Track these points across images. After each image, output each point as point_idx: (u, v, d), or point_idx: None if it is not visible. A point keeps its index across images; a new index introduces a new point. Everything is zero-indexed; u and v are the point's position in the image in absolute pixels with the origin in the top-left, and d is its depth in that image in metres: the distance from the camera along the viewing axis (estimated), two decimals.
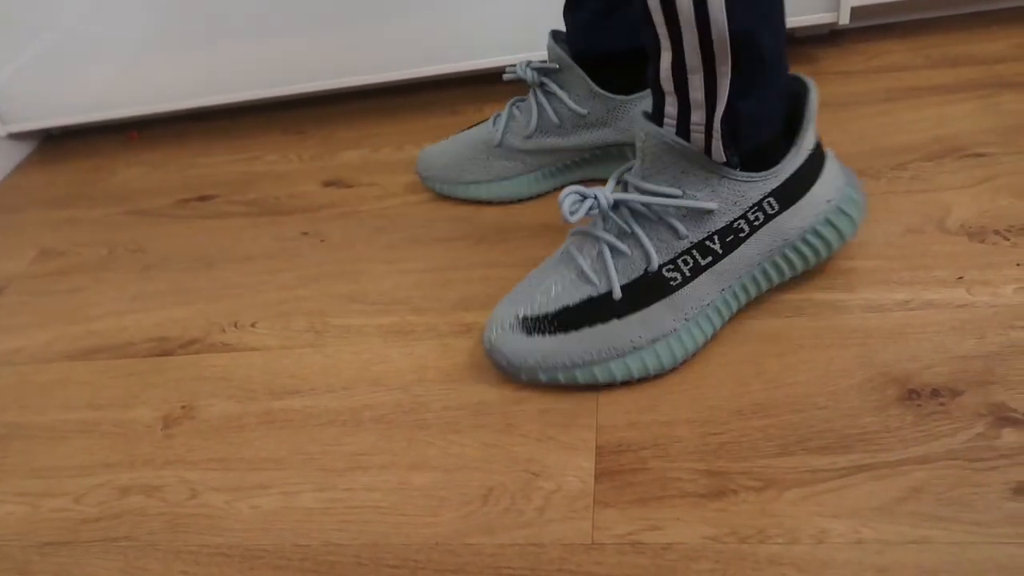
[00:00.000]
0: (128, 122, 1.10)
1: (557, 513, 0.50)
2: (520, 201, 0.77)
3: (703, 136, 0.51)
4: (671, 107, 0.51)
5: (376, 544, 0.51)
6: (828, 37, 0.93)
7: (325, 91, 0.99)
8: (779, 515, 0.47)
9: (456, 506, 0.52)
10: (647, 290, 0.54)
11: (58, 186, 1.02)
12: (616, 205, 0.54)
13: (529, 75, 0.72)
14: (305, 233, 0.81)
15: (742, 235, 0.54)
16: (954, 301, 0.57)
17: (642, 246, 0.54)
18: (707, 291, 0.55)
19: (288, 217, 0.85)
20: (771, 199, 0.54)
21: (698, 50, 0.47)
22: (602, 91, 0.69)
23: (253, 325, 0.71)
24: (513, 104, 0.76)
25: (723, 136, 0.51)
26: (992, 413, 0.49)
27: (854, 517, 0.46)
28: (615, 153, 0.73)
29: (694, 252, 0.54)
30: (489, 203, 0.78)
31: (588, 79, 0.69)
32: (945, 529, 0.44)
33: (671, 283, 0.54)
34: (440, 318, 0.66)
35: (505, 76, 0.74)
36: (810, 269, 0.59)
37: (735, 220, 0.53)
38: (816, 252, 0.57)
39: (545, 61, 0.72)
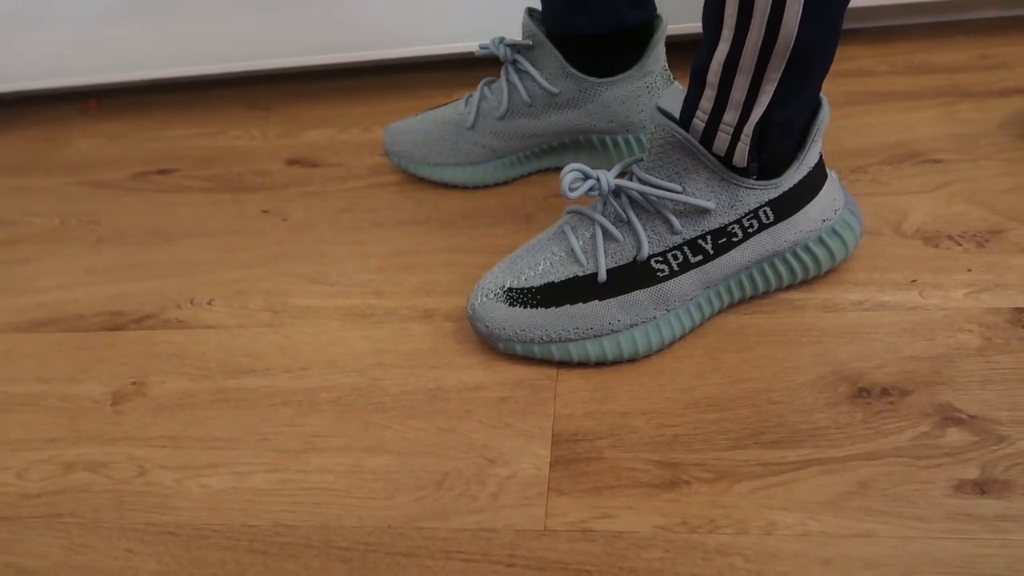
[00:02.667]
0: (86, 90, 1.07)
1: (511, 499, 0.50)
2: (487, 187, 0.77)
3: (730, 137, 0.51)
4: (707, 101, 0.50)
5: (327, 526, 0.50)
6: None
7: (294, 68, 0.97)
8: (729, 506, 0.48)
9: (410, 490, 0.52)
10: (633, 277, 0.55)
11: (9, 154, 0.99)
12: (617, 191, 0.55)
13: (502, 51, 0.71)
14: (266, 211, 0.80)
15: (735, 240, 0.55)
16: (907, 303, 0.58)
17: (635, 234, 0.54)
18: (691, 288, 0.56)
19: (250, 194, 0.83)
20: (768, 209, 0.54)
21: (758, 50, 0.46)
22: (575, 71, 0.69)
23: (209, 303, 0.69)
24: (485, 84, 0.75)
25: (753, 142, 0.50)
26: (938, 413, 0.50)
27: (802, 510, 0.47)
28: (584, 142, 0.73)
29: (685, 249, 0.54)
30: (455, 187, 0.78)
31: (562, 58, 0.69)
32: (888, 524, 0.45)
33: (658, 274, 0.55)
34: (401, 302, 0.66)
35: (477, 52, 0.73)
36: (795, 284, 0.60)
37: (730, 224, 0.54)
38: (805, 268, 0.58)
39: (519, 39, 0.71)
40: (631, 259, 0.55)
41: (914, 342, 0.55)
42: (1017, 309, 0.56)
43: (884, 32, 0.93)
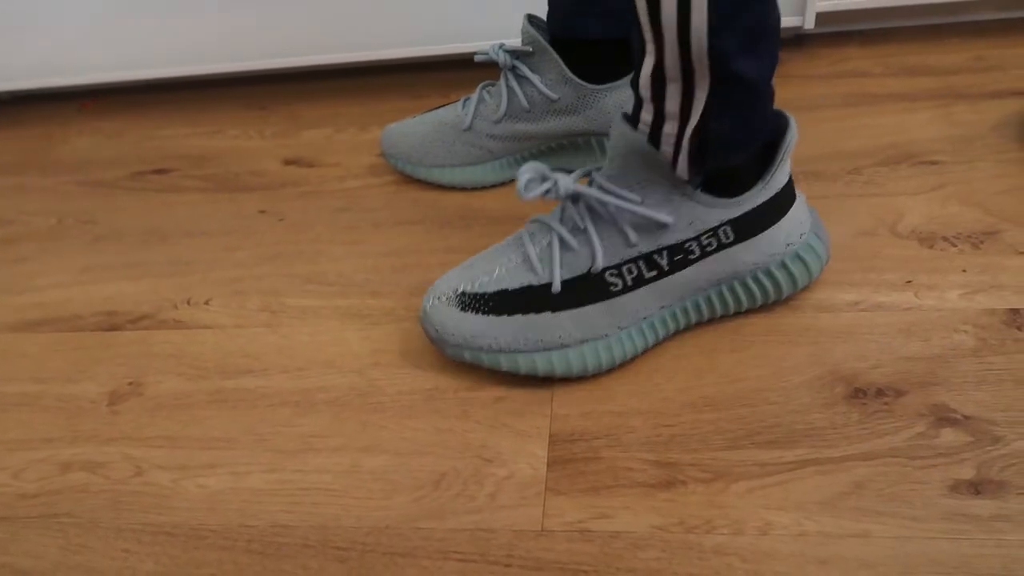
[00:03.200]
0: (83, 90, 1.07)
1: (508, 499, 0.50)
2: (484, 188, 0.77)
3: (672, 148, 0.50)
4: (647, 114, 0.50)
5: (325, 526, 0.50)
6: (794, 41, 0.94)
7: (291, 68, 0.97)
8: (726, 506, 0.48)
9: (408, 490, 0.52)
10: (586, 290, 0.54)
11: (5, 153, 0.99)
12: (576, 198, 0.54)
13: (502, 57, 0.72)
14: (263, 211, 0.80)
15: (692, 257, 0.54)
16: (902, 304, 0.58)
17: (591, 245, 0.54)
18: (646, 305, 0.55)
19: (247, 194, 0.83)
20: (728, 228, 0.53)
21: (678, 61, 0.46)
22: (575, 78, 0.69)
23: (207, 302, 0.69)
24: (483, 87, 0.75)
25: (690, 152, 0.50)
26: (933, 413, 0.51)
27: (798, 510, 0.47)
28: (582, 144, 0.73)
29: (640, 263, 0.53)
30: (452, 188, 0.78)
31: (562, 64, 0.69)
32: (884, 524, 0.46)
33: (611, 288, 0.54)
34: (398, 302, 0.66)
35: (477, 58, 0.74)
36: (755, 308, 0.58)
37: (687, 240, 0.53)
38: (765, 293, 0.57)
39: (519, 45, 0.71)
40: (586, 270, 0.54)
41: (909, 343, 0.55)
42: (1012, 310, 0.56)
43: (879, 34, 0.93)
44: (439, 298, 0.56)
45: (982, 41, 0.88)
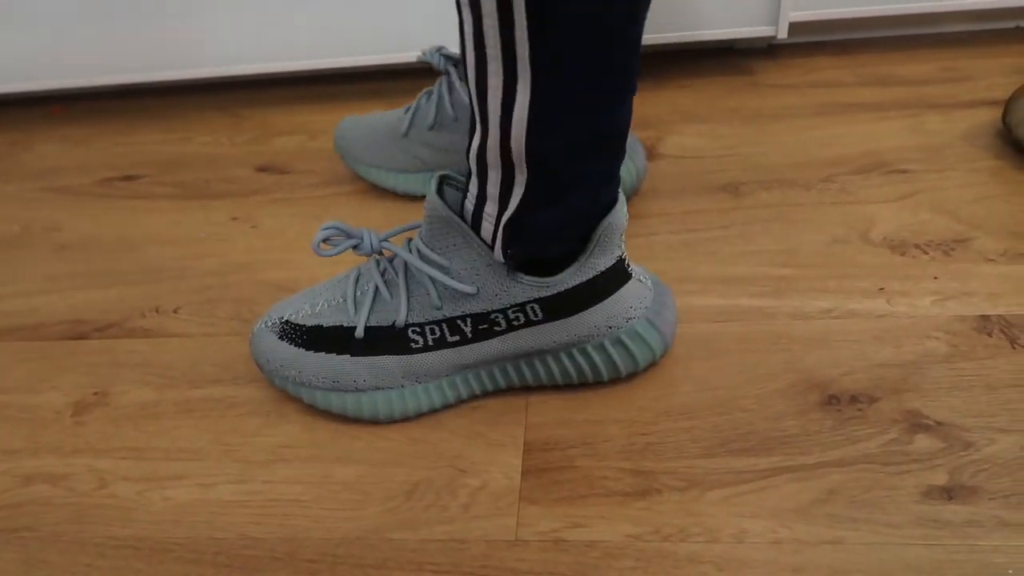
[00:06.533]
0: (50, 95, 1.05)
1: (482, 509, 0.49)
2: (416, 198, 0.76)
3: (492, 229, 0.48)
4: (474, 187, 0.48)
5: (295, 538, 0.49)
6: (767, 50, 0.95)
7: (264, 74, 0.96)
8: (701, 514, 0.47)
9: (380, 501, 0.51)
10: (387, 342, 0.53)
11: None
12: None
13: (436, 59, 0.70)
14: (235, 218, 0.79)
15: (498, 329, 0.52)
16: (875, 311, 0.58)
17: (399, 299, 0.53)
18: (443, 367, 0.53)
19: (218, 201, 0.82)
20: (535, 306, 0.51)
21: (499, 150, 0.44)
22: None
23: (175, 311, 0.68)
24: (423, 94, 0.74)
25: (503, 239, 0.48)
26: (906, 419, 0.51)
27: (773, 518, 0.47)
28: None
29: (443, 326, 0.52)
30: (394, 193, 0.77)
31: None
32: (858, 530, 0.45)
33: (412, 344, 0.53)
34: None
35: (417, 56, 0.73)
36: (574, 384, 0.55)
37: (493, 312, 0.51)
38: (581, 372, 0.54)
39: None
40: (391, 323, 0.53)
41: (882, 349, 0.55)
42: (982, 316, 0.57)
43: (851, 44, 0.94)
44: (265, 323, 0.57)
45: (952, 52, 0.90)
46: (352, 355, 0.54)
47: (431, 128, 0.72)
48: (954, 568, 0.43)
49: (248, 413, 0.58)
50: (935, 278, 0.60)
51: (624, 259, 0.51)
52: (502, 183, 0.46)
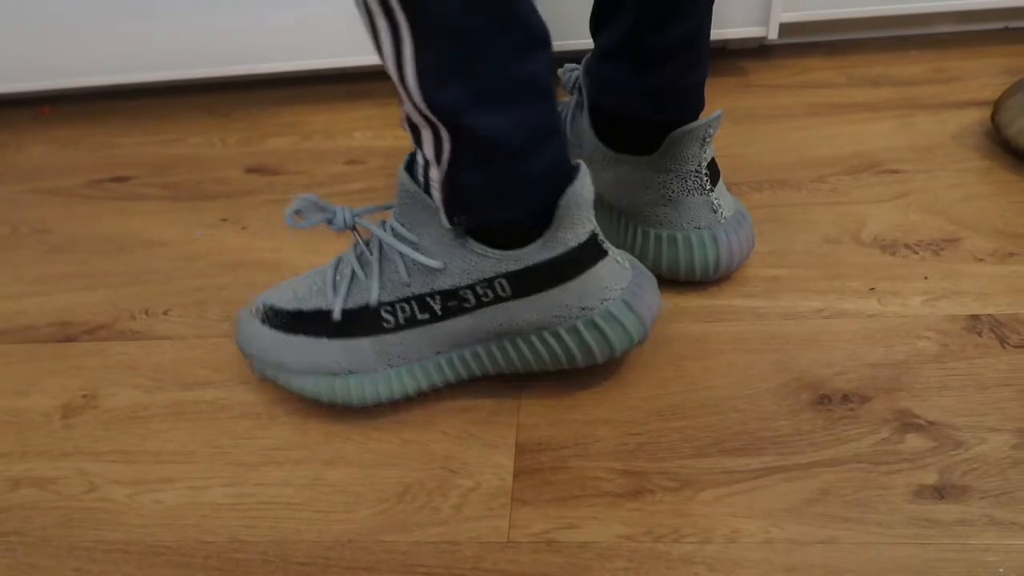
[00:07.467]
0: (38, 96, 1.04)
1: (474, 511, 0.49)
2: None
3: (438, 194, 0.48)
4: (419, 155, 0.48)
5: (285, 541, 0.49)
6: (758, 51, 0.95)
7: (255, 75, 0.96)
8: (693, 515, 0.47)
9: (371, 503, 0.51)
10: (362, 322, 0.53)
11: None
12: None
13: None
14: (225, 219, 0.78)
15: (467, 306, 0.51)
16: (866, 311, 0.59)
17: (372, 279, 0.52)
18: (418, 347, 0.53)
19: (209, 202, 0.81)
20: (503, 281, 0.50)
21: (414, 108, 0.43)
22: None
23: (165, 313, 0.68)
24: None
25: (444, 201, 0.47)
26: (898, 419, 0.51)
27: (765, 517, 0.47)
28: None
29: (413, 303, 0.52)
30: None
31: None
32: (850, 530, 0.45)
33: (384, 324, 0.52)
34: None
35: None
36: (550, 371, 0.54)
37: (462, 288, 0.50)
38: (554, 355, 0.52)
39: None
40: (364, 304, 0.53)
41: (873, 349, 0.56)
42: (972, 316, 0.57)
43: (842, 45, 0.94)
44: (251, 309, 0.57)
45: (942, 53, 0.90)
46: (329, 337, 0.53)
47: None
48: (946, 567, 0.43)
49: (239, 415, 0.57)
50: (925, 278, 0.61)
51: (598, 236, 0.50)
52: (434, 143, 0.45)
